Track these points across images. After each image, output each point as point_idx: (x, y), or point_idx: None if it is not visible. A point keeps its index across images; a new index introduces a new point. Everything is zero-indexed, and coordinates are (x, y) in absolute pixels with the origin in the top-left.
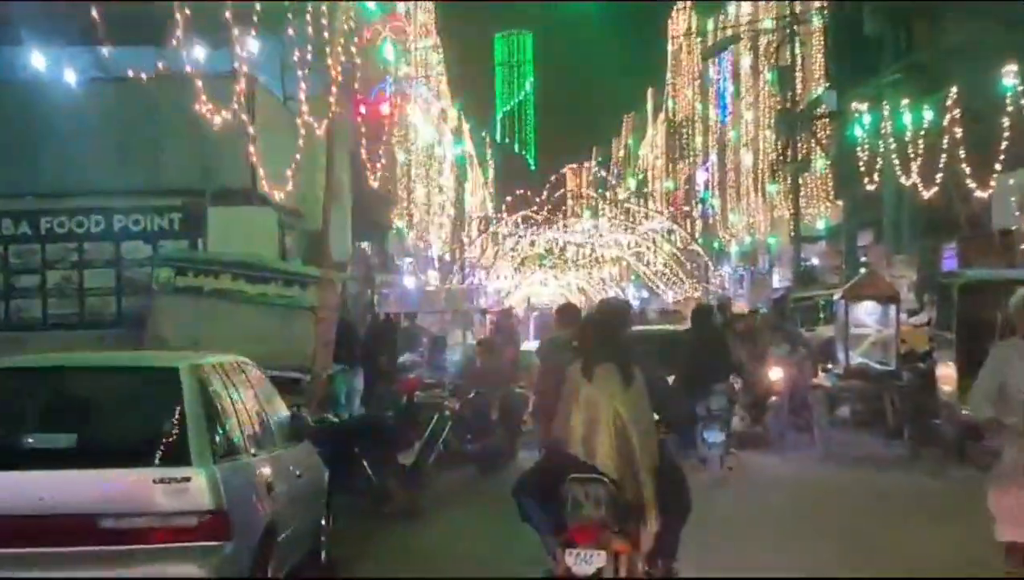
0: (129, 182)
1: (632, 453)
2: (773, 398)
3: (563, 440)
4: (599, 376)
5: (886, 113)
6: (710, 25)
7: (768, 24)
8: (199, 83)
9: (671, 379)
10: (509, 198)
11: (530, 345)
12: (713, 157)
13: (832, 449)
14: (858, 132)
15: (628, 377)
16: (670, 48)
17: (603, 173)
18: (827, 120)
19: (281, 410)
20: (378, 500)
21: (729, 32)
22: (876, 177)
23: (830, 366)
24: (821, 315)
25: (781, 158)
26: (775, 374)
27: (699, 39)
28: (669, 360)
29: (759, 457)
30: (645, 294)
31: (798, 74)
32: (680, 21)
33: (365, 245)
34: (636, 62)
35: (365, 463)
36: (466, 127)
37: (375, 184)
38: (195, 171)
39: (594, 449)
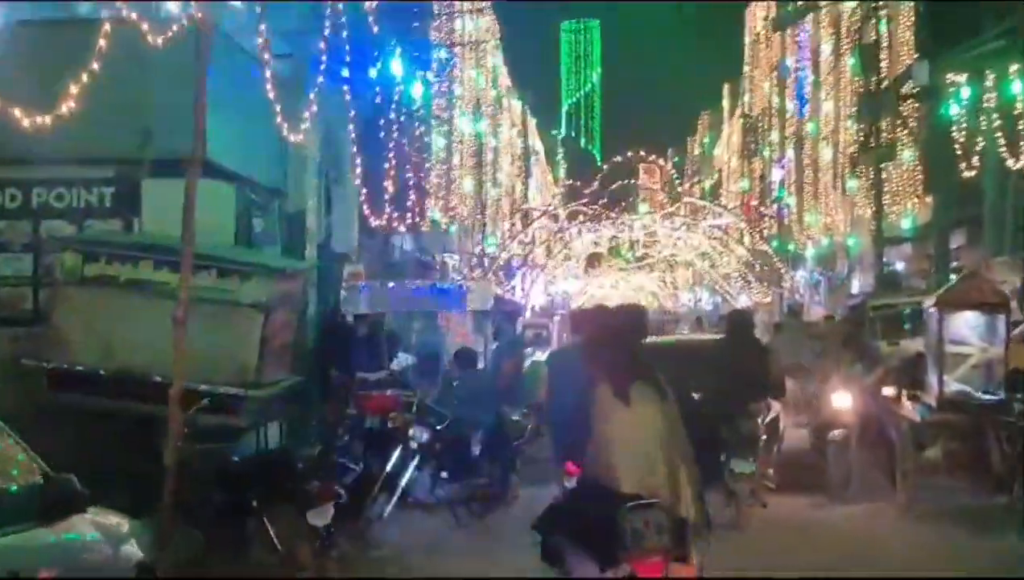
0: (52, 148)
1: (678, 478)
2: (838, 430)
3: (603, 474)
4: (637, 399)
5: (989, 84)
6: (789, 8)
7: None
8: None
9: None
10: (559, 190)
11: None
12: (790, 153)
13: (917, 500)
14: (954, 110)
15: (663, 393)
16: (747, 39)
17: (674, 173)
18: (916, 100)
19: (22, 474)
20: (285, 570)
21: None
22: (976, 162)
23: (918, 393)
24: (906, 326)
25: (862, 147)
26: (842, 400)
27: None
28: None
29: (815, 503)
30: (719, 299)
31: (883, 52)
32: (758, 10)
33: (396, 239)
34: (714, 56)
35: (266, 520)
36: (532, 122)
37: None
38: (132, 135)
39: (645, 483)
